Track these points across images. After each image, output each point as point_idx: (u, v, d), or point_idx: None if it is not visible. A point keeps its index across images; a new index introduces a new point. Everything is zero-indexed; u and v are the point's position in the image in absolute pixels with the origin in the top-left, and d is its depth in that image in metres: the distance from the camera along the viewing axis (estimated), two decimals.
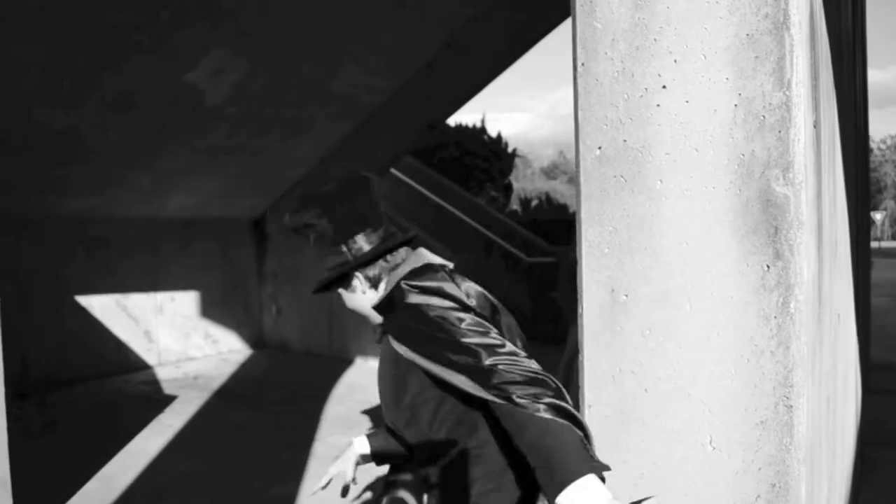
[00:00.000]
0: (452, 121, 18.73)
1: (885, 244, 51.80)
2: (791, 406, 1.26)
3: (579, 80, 1.44)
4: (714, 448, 1.32)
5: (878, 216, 42.06)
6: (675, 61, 1.34)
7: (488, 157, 13.60)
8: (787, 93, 1.26)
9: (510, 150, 14.55)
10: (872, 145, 78.77)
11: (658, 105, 1.35)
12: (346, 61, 6.29)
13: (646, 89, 1.37)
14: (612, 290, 1.40)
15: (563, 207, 13.91)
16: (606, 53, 1.41)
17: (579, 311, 1.44)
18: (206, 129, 6.33)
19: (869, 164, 8.44)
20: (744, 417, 1.29)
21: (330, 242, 1.55)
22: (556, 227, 11.19)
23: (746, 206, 1.29)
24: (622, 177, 1.39)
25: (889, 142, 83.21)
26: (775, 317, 1.26)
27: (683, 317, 1.34)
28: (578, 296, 1.44)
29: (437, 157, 12.26)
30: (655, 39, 1.36)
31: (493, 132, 14.44)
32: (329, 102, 6.81)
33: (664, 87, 1.35)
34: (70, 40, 4.81)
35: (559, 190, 17.24)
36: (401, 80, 6.95)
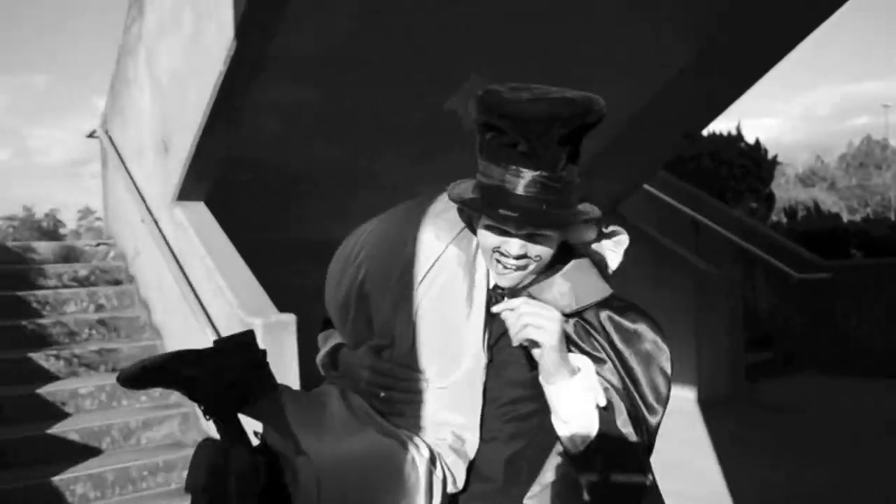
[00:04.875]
0: (705, 130, 17.90)
1: None
2: None
3: None
4: None
5: None
6: None
7: (746, 165, 12.78)
8: None
9: (770, 156, 13.59)
10: None
11: None
12: (595, 77, 6.22)
13: None
14: None
15: (835, 217, 12.68)
16: None
17: None
18: (465, 154, 6.54)
19: None
20: None
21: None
22: (827, 239, 10.22)
23: None
24: None
25: None
26: None
27: None
28: None
29: (690, 168, 11.75)
30: None
31: (749, 139, 13.58)
32: None
33: None
34: (340, 81, 5.22)
35: (819, 198, 15.76)
36: (651, 92, 6.74)
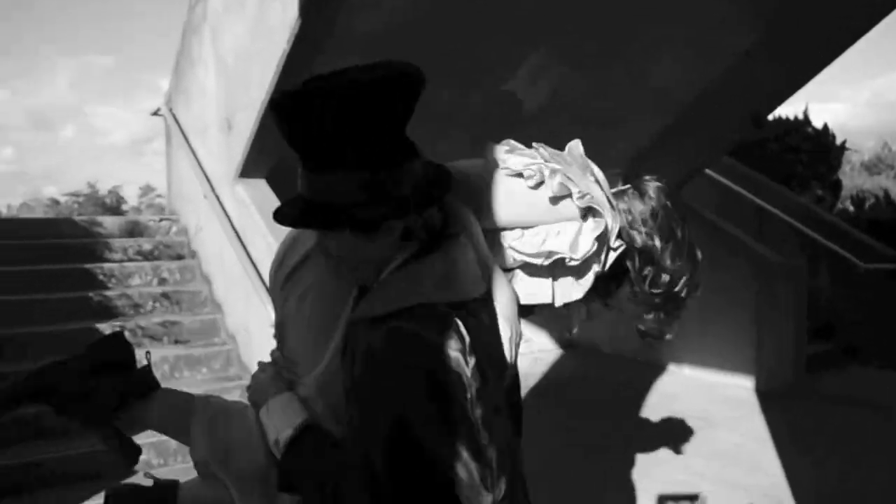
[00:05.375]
0: (771, 114, 17.34)
1: None
2: None
3: None
4: None
5: None
6: None
7: (812, 151, 12.39)
8: None
9: (838, 142, 13.13)
10: None
11: None
12: (657, 57, 6.10)
13: None
14: None
15: None
16: None
17: None
18: (524, 137, 6.50)
19: None
20: None
21: None
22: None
23: None
24: None
25: None
26: None
27: None
28: None
29: (755, 153, 11.45)
30: None
31: (817, 123, 13.15)
32: (640, 100, 6.65)
33: None
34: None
35: (885, 186, 15.22)
36: (715, 73, 6.57)
